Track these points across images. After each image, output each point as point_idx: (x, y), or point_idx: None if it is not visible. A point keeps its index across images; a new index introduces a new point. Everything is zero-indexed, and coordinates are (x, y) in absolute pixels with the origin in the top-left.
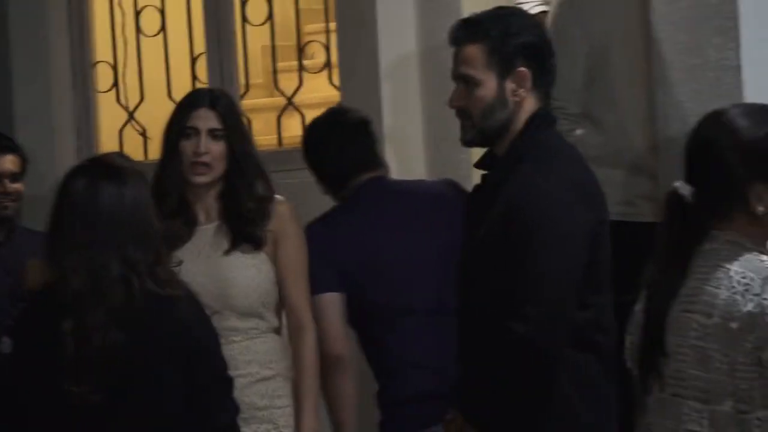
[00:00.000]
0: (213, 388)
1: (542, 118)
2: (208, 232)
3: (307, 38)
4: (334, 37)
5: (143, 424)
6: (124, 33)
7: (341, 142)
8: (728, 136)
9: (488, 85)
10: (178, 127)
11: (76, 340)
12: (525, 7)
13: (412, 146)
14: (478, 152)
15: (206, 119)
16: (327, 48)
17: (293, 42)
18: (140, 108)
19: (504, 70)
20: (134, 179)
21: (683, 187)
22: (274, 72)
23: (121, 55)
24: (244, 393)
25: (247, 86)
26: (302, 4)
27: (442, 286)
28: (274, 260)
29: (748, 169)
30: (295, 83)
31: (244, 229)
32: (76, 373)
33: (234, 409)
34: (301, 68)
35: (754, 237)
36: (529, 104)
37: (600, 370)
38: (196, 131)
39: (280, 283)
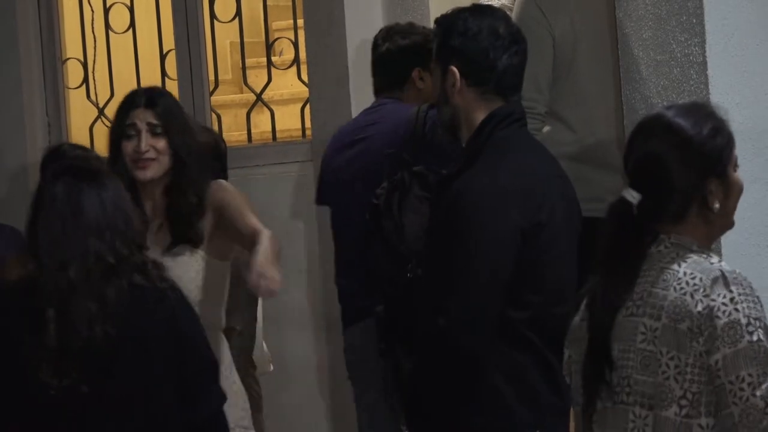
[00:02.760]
0: (200, 378)
1: (501, 117)
2: (152, 230)
3: (275, 35)
4: (302, 34)
5: (131, 415)
6: (94, 29)
7: None
8: (672, 138)
9: (435, 79)
10: (119, 128)
11: (60, 332)
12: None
13: None
14: None
15: (144, 117)
16: (295, 44)
17: (262, 38)
18: (110, 104)
19: (443, 67)
20: (111, 181)
21: (630, 194)
22: (243, 68)
23: (91, 51)
24: None
25: (217, 82)
26: (270, 1)
27: None
28: (224, 229)
29: (697, 169)
30: (264, 79)
31: (182, 228)
32: (58, 365)
33: (221, 397)
34: (270, 64)
35: (704, 238)
36: (476, 102)
37: (536, 368)
38: (137, 130)
39: (234, 229)
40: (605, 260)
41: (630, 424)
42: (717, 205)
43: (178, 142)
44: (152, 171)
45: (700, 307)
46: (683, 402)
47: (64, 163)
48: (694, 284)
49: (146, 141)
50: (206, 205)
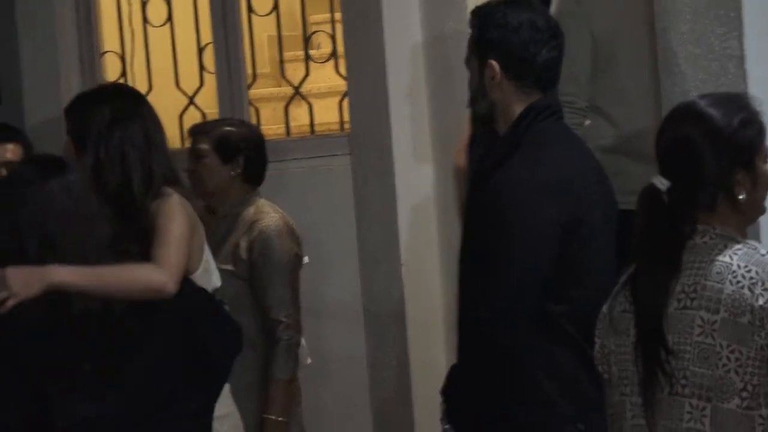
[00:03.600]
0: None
1: (539, 110)
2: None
3: (312, 28)
4: (339, 27)
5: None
6: (132, 23)
7: None
8: (702, 126)
9: (472, 73)
10: None
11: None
12: None
13: (419, 135)
14: None
15: None
16: (333, 38)
17: (299, 32)
18: (148, 97)
19: (481, 61)
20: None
21: (660, 182)
22: (281, 62)
23: (129, 45)
24: None
25: (254, 76)
26: None
27: None
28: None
29: (726, 159)
30: (301, 73)
31: None
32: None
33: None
34: (308, 58)
35: (736, 226)
36: (515, 95)
37: (578, 362)
38: None
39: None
40: (641, 249)
41: (686, 416)
42: (743, 196)
43: None
44: None
45: (761, 301)
46: (744, 394)
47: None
48: (751, 278)
49: None
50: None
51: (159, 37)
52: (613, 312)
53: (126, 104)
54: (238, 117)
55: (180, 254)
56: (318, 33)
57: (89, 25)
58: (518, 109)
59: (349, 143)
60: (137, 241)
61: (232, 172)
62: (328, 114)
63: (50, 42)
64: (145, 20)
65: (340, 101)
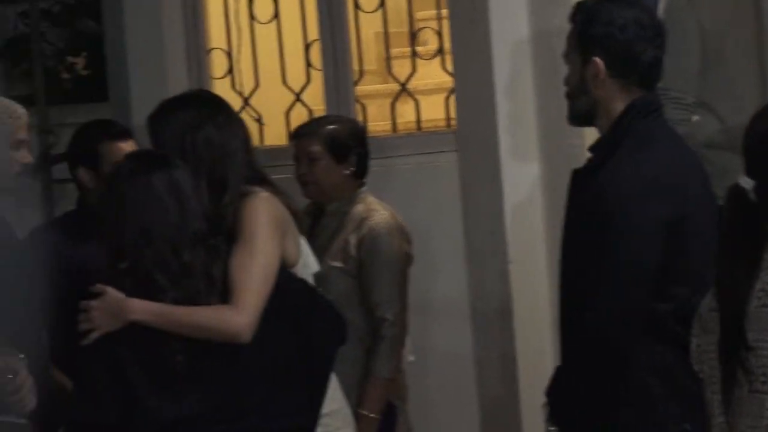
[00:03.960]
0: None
1: (641, 107)
2: None
3: (419, 24)
4: (446, 24)
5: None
6: (238, 20)
7: None
8: None
9: (573, 69)
10: None
11: None
12: None
13: (525, 131)
14: (592, 137)
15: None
16: (439, 34)
17: (406, 28)
18: (255, 94)
19: (583, 57)
20: (177, 166)
21: (745, 182)
22: (387, 58)
23: (236, 41)
24: None
25: (361, 72)
26: None
27: None
28: None
29: None
30: (408, 69)
31: None
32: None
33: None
34: (414, 54)
35: None
36: (617, 93)
37: (681, 362)
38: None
39: None
40: (724, 247)
41: (766, 413)
42: None
43: None
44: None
45: None
46: None
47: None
48: None
49: None
50: None
51: (266, 34)
52: (703, 311)
53: (200, 111)
54: (344, 114)
55: (262, 290)
56: (425, 29)
57: (196, 23)
58: (620, 106)
59: (456, 140)
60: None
61: (346, 171)
62: (435, 110)
63: (157, 39)
64: (251, 17)
65: (447, 98)
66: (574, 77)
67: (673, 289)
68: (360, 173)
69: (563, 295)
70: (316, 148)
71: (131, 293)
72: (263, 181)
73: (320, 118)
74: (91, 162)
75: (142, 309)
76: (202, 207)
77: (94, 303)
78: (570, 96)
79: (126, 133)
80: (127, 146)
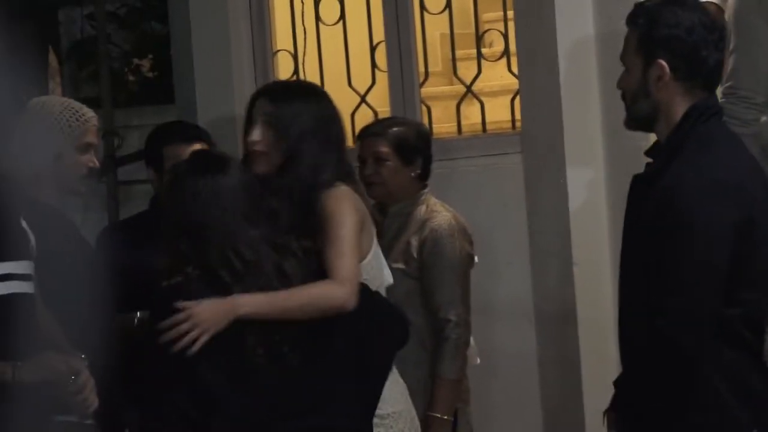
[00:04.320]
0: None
1: (702, 110)
2: None
3: (485, 26)
4: (512, 25)
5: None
6: (304, 22)
7: None
8: None
9: (633, 72)
10: None
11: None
12: None
13: (590, 133)
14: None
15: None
16: (505, 36)
17: (471, 30)
18: None
19: (646, 60)
20: (239, 169)
21: None
22: (453, 60)
23: (301, 43)
24: None
25: (426, 74)
26: None
27: None
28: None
29: None
30: (473, 71)
31: None
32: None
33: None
34: (480, 56)
35: None
36: (680, 96)
37: (751, 366)
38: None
39: None
40: None
41: None
42: None
43: None
44: None
45: None
46: None
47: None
48: None
49: None
50: None
51: (331, 35)
52: None
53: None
54: (410, 116)
55: (356, 263)
56: (490, 31)
57: (262, 24)
58: (681, 110)
59: (521, 141)
60: (311, 234)
61: (413, 173)
62: (500, 112)
63: (223, 41)
64: (317, 18)
65: (512, 99)
66: (634, 80)
67: (742, 294)
68: (424, 175)
69: (624, 302)
70: (385, 149)
71: (198, 295)
72: (351, 180)
73: (386, 120)
74: (157, 163)
75: (251, 302)
76: (266, 206)
77: (195, 307)
78: (628, 99)
79: (194, 136)
80: (192, 149)
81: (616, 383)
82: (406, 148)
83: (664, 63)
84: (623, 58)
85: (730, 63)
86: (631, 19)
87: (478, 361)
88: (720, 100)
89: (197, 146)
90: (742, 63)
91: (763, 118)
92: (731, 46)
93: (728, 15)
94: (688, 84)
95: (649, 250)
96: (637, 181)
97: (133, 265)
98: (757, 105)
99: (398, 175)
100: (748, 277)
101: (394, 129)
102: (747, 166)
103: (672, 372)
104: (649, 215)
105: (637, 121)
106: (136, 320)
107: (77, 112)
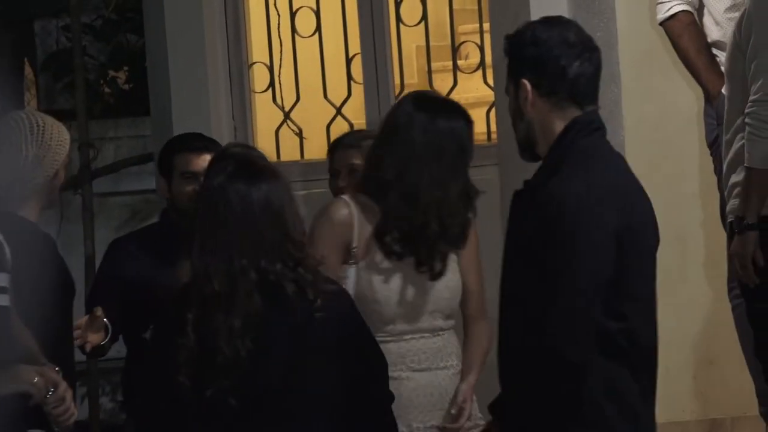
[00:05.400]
0: (368, 380)
1: (582, 125)
2: None
3: (461, 38)
4: (488, 37)
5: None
6: (280, 34)
7: None
8: None
9: (510, 97)
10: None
11: (202, 343)
12: (665, 6)
13: None
14: (633, 154)
15: None
16: (481, 48)
17: (447, 42)
18: (296, 108)
19: (515, 82)
20: (269, 180)
21: None
22: (429, 72)
23: (277, 55)
24: None
25: (402, 86)
26: (456, 5)
27: None
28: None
29: None
30: (449, 83)
31: None
32: (198, 372)
33: (390, 397)
34: (456, 68)
35: None
36: (551, 113)
37: (632, 381)
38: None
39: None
40: None
41: None
42: None
43: None
44: None
45: None
46: None
47: (223, 162)
48: None
49: None
50: None
51: (307, 47)
52: None
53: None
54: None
55: None
56: (466, 43)
57: (238, 36)
58: (558, 126)
59: (497, 153)
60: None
61: None
62: (476, 124)
63: (199, 53)
64: (293, 30)
65: (488, 111)
66: (511, 105)
67: (623, 306)
68: None
69: (506, 316)
70: (358, 161)
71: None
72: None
73: (358, 131)
74: (166, 172)
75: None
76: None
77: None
78: (513, 127)
79: (210, 146)
80: (201, 160)
81: (496, 403)
82: None
83: (526, 82)
84: (506, 90)
85: (761, 74)
86: (504, 48)
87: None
88: (749, 108)
89: (207, 157)
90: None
91: None
92: (764, 57)
93: (748, 24)
94: (554, 99)
95: (532, 263)
96: (517, 195)
97: (139, 278)
98: None
99: None
100: (628, 291)
101: (367, 141)
102: (627, 180)
103: (556, 386)
104: (532, 228)
105: (524, 147)
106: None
107: (65, 131)
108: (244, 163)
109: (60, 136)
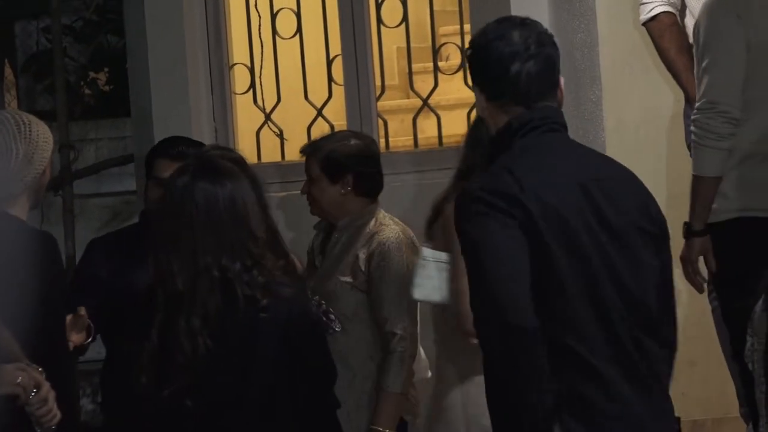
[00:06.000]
0: (316, 387)
1: (518, 126)
2: None
3: (442, 40)
4: (468, 39)
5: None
6: (261, 35)
7: None
8: None
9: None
10: None
11: (163, 342)
12: (647, 7)
13: None
14: (611, 153)
15: None
16: (462, 49)
17: (428, 43)
18: (277, 109)
19: (475, 86)
20: (233, 180)
21: None
22: (410, 73)
23: (258, 57)
24: None
25: (383, 87)
26: (437, 6)
27: None
28: None
29: None
30: (430, 84)
31: None
32: (159, 372)
33: (334, 404)
34: (437, 69)
35: None
36: (499, 116)
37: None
38: None
39: None
40: None
41: None
42: None
43: None
44: None
45: None
46: None
47: (189, 161)
48: None
49: None
50: None
51: (288, 49)
52: (757, 311)
53: None
54: (366, 129)
55: None
56: (447, 44)
57: (219, 37)
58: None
59: None
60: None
61: (342, 191)
62: (457, 125)
63: (179, 54)
64: (274, 32)
65: (469, 113)
66: (478, 112)
67: (554, 302)
68: (366, 191)
69: None
70: (314, 168)
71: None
72: None
73: (326, 137)
74: (147, 175)
75: None
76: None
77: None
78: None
79: (177, 154)
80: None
81: None
82: (333, 166)
83: (477, 88)
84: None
85: (704, 79)
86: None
87: (430, 374)
88: (694, 116)
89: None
90: (719, 78)
91: (737, 132)
92: (704, 63)
93: (696, 31)
94: (499, 102)
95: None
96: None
97: (116, 278)
98: (735, 120)
99: (325, 193)
100: (554, 285)
101: (327, 148)
102: (555, 174)
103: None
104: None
105: (489, 154)
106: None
107: (48, 129)
108: (207, 163)
109: (45, 133)
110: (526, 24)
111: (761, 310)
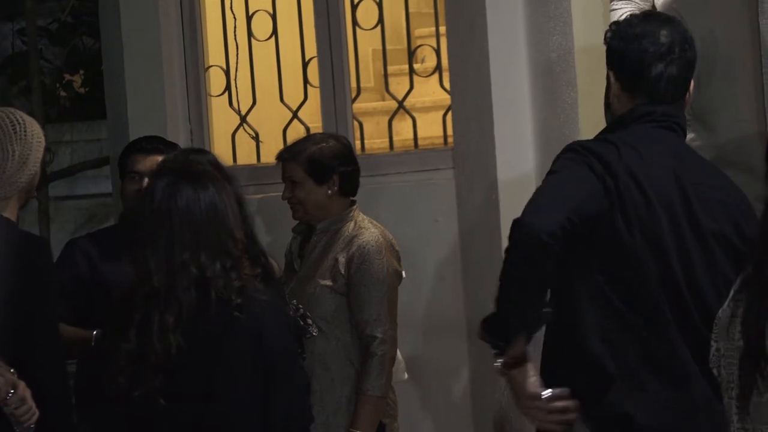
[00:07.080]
0: (287, 396)
1: (637, 115)
2: None
3: (417, 42)
4: (444, 41)
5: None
6: (236, 37)
7: None
8: None
9: (606, 85)
10: None
11: (140, 341)
12: (619, 12)
13: (522, 149)
14: None
15: None
16: (437, 51)
17: (404, 46)
18: (252, 112)
19: (608, 72)
20: (215, 184)
21: None
22: (385, 75)
23: (233, 59)
24: None
25: (358, 89)
26: (412, 8)
27: None
28: None
29: None
30: (406, 87)
31: None
32: (134, 372)
33: (309, 417)
34: (412, 72)
35: None
36: (626, 104)
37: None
38: None
39: None
40: (754, 260)
41: None
42: None
43: None
44: None
45: None
46: None
47: (167, 163)
48: None
49: None
50: None
51: (263, 51)
52: (723, 316)
53: None
54: (341, 131)
55: None
56: (423, 47)
57: (194, 39)
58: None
59: (453, 157)
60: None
61: (329, 191)
62: (432, 128)
63: (155, 56)
64: (249, 34)
65: (444, 115)
66: (605, 93)
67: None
68: (347, 191)
69: None
70: (297, 172)
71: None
72: None
73: (303, 140)
74: (121, 175)
75: None
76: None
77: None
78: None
79: (151, 148)
80: (148, 161)
81: None
82: (318, 168)
83: (611, 74)
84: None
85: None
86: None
87: (406, 376)
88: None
89: (157, 158)
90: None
91: (690, 135)
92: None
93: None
94: (633, 95)
95: None
96: None
97: (93, 279)
98: (688, 122)
99: (312, 195)
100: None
101: (307, 150)
102: (651, 165)
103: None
104: None
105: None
106: (93, 339)
107: (40, 128)
108: (188, 165)
109: (39, 134)
110: (672, 23)
111: (726, 317)
